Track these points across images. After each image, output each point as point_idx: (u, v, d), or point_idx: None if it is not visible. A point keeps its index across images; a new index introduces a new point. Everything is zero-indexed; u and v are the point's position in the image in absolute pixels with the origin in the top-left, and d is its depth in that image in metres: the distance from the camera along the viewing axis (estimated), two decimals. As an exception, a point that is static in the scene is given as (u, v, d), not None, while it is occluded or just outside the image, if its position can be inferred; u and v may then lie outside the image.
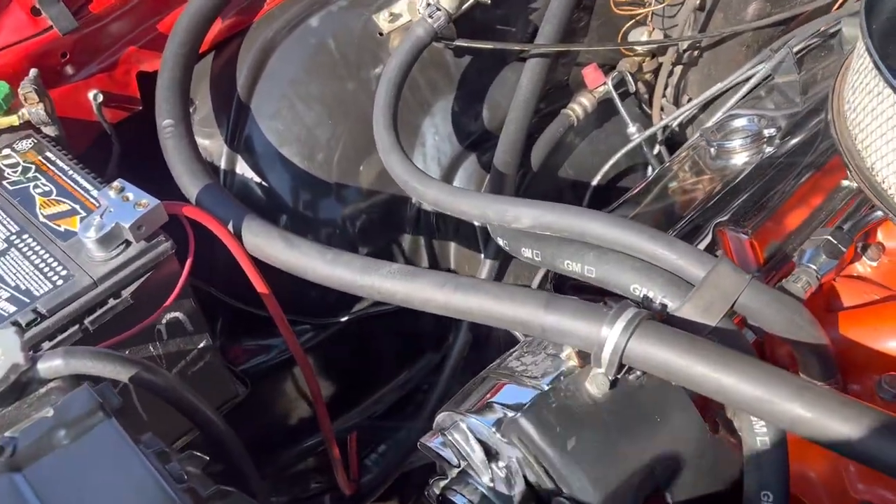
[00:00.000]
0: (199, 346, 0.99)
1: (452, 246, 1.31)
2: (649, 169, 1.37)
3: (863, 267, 0.97)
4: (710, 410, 0.81)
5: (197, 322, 0.97)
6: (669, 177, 1.09)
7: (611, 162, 1.31)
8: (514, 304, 0.75)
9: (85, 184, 0.93)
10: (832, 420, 0.60)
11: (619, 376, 0.73)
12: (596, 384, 0.72)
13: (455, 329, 1.30)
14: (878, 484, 0.77)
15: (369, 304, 1.25)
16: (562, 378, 0.74)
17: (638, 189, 1.08)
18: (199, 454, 0.70)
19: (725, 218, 0.93)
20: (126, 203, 0.85)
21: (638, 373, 0.74)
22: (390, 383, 1.34)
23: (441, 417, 0.81)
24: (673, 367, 0.67)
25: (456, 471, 0.78)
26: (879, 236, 0.97)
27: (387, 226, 1.27)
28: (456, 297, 0.78)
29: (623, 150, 1.30)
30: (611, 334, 0.69)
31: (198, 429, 0.81)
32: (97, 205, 0.87)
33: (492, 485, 0.75)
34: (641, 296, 0.77)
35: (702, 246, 0.91)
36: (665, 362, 0.67)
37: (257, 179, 1.19)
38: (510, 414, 0.71)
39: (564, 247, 0.84)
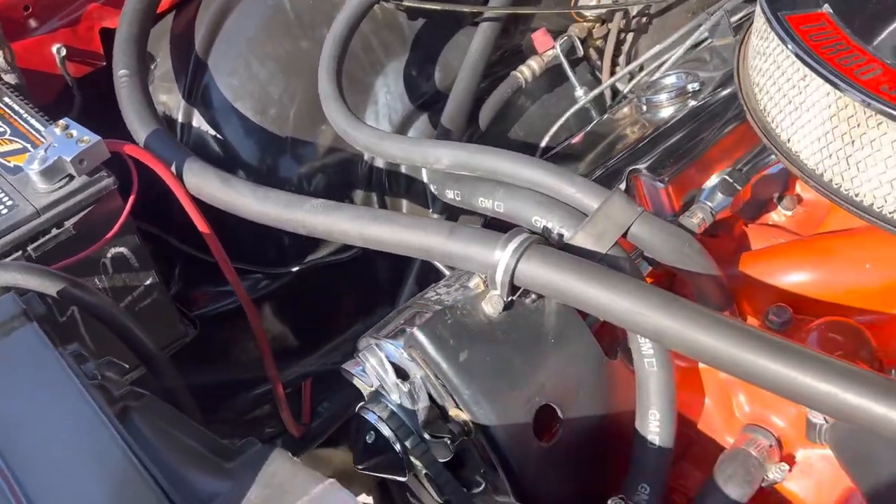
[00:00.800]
0: (146, 283, 1.05)
1: (404, 203, 1.35)
2: (597, 131, 1.41)
3: (778, 216, 1.02)
4: (613, 340, 0.86)
5: (142, 259, 1.02)
6: (602, 130, 1.14)
7: (558, 123, 1.35)
8: (422, 233, 0.80)
9: (37, 125, 0.99)
10: (694, 329, 0.65)
11: (514, 299, 0.78)
12: (491, 304, 0.77)
13: (404, 281, 1.35)
14: (763, 406, 0.81)
15: (322, 254, 1.31)
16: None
17: (571, 140, 1.12)
18: (118, 362, 0.76)
19: (644, 165, 0.98)
20: (70, 139, 0.91)
21: (533, 296, 0.79)
22: (345, 333, 1.39)
23: (361, 343, 0.86)
24: (557, 285, 0.71)
25: (371, 391, 0.84)
26: (798, 188, 1.02)
27: (341, 185, 1.32)
28: (370, 227, 0.83)
29: (570, 112, 1.34)
30: (502, 256, 0.74)
31: (130, 350, 0.86)
32: (44, 141, 0.93)
33: (400, 402, 0.80)
34: (542, 227, 0.81)
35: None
36: (550, 281, 0.72)
37: (213, 133, 1.25)
38: (409, 329, 0.76)
39: (479, 185, 0.89)
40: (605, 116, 1.17)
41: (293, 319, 1.36)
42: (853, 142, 0.69)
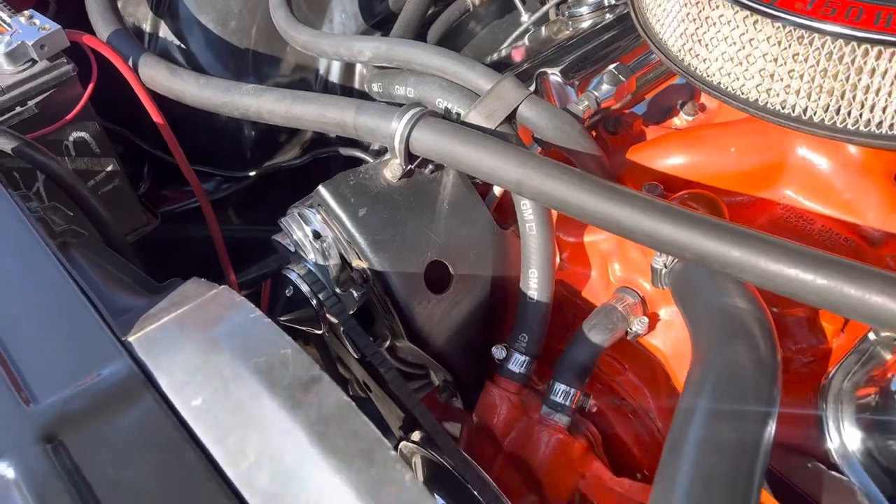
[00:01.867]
0: (107, 169, 1.16)
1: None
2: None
3: (680, 121, 1.11)
4: (509, 213, 0.96)
5: (103, 146, 1.14)
6: (532, 44, 1.23)
7: (504, 45, 1.44)
8: (337, 110, 0.90)
9: (6, 18, 1.10)
10: (547, 179, 0.75)
11: (415, 169, 0.88)
12: (391, 170, 0.88)
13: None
14: (631, 271, 0.91)
15: (280, 159, 1.41)
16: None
17: (501, 48, 1.22)
18: (63, 208, 0.87)
19: (555, 69, 1.07)
20: (33, 27, 1.01)
21: (431, 167, 0.89)
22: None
23: (288, 212, 0.97)
24: (444, 149, 0.82)
25: (293, 254, 0.95)
26: (702, 98, 1.11)
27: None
28: (294, 107, 0.94)
29: (514, 35, 1.43)
30: (398, 126, 0.84)
31: (83, 212, 0.97)
32: (9, 29, 1.03)
33: (316, 261, 0.92)
34: (444, 107, 0.92)
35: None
36: (439, 147, 0.82)
37: (178, 43, 1.35)
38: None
39: (397, 75, 0.99)
40: (534, 30, 1.26)
41: (253, 221, 1.47)
42: (699, 23, 0.79)
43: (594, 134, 1.04)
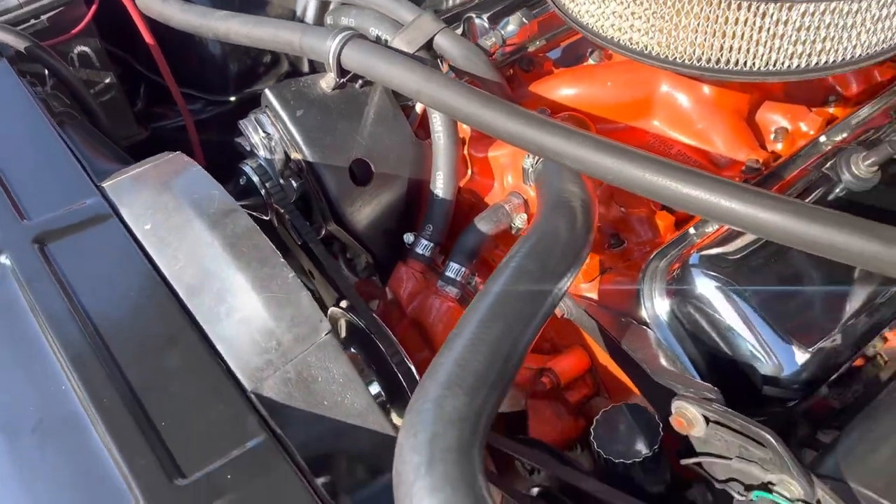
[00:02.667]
0: (105, 82, 1.38)
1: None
2: None
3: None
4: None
5: (103, 61, 1.35)
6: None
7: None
8: (286, 32, 1.10)
9: (26, -53, 1.30)
10: (440, 89, 0.95)
11: (345, 81, 1.08)
12: (326, 82, 1.08)
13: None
14: (519, 179, 1.11)
15: (259, 87, 1.62)
16: (310, 83, 1.10)
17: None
18: (62, 96, 1.08)
19: (484, 14, 1.27)
20: (47, -46, 1.22)
21: (361, 82, 1.10)
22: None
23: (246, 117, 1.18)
24: (367, 64, 1.02)
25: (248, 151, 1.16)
26: (612, 48, 1.30)
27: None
28: (254, 30, 1.14)
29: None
30: (332, 45, 1.04)
31: (77, 102, 1.18)
32: (27, -45, 1.24)
33: (265, 156, 1.12)
34: (375, 35, 1.12)
35: (457, 32, 1.25)
36: (363, 62, 1.02)
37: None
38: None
39: (344, 9, 1.19)
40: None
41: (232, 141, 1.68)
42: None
43: (511, 71, 1.24)
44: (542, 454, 0.97)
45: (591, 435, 0.86)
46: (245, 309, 0.73)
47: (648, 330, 0.93)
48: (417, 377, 1.00)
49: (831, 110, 1.18)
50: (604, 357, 1.03)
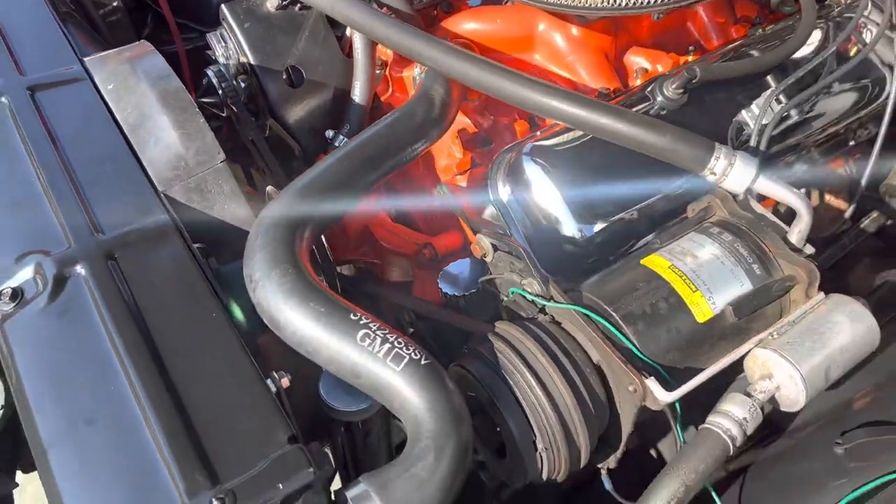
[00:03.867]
0: (113, 4, 1.68)
1: None
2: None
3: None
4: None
5: (109, -15, 1.65)
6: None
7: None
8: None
9: None
10: (348, 8, 1.22)
11: (287, 3, 1.36)
12: (271, 3, 1.36)
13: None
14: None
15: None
16: (261, 4, 1.38)
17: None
18: (71, 6, 1.38)
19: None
20: None
21: (300, 5, 1.38)
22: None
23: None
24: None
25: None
26: None
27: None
28: (224, -39, 1.42)
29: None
30: (277, -27, 1.32)
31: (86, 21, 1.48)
32: None
33: (223, 62, 1.41)
34: (316, -29, 1.39)
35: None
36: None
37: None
38: (223, 9, 1.36)
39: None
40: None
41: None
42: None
43: (435, 12, 1.50)
44: (407, 295, 1.26)
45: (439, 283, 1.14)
46: (166, 140, 1.02)
47: (490, 207, 1.20)
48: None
49: (690, 58, 1.43)
50: (471, 235, 1.30)
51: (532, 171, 1.15)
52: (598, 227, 1.14)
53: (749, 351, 0.91)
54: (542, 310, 0.97)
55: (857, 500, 0.83)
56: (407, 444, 0.78)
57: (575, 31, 1.34)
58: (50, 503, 0.73)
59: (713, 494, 0.88)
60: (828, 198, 1.48)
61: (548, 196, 1.14)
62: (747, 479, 0.96)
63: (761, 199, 1.12)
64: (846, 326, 0.90)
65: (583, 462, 0.91)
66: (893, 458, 0.85)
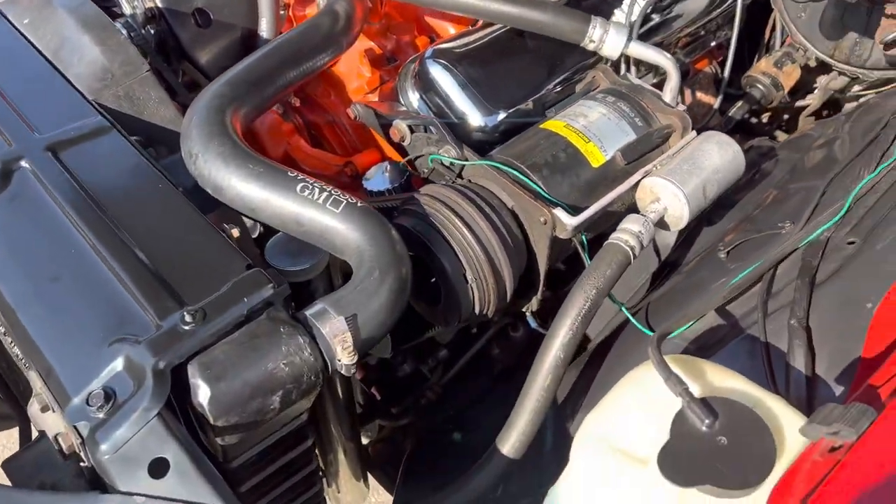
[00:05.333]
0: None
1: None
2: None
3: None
4: None
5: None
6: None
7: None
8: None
9: None
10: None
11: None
12: (173, -50, 1.43)
13: None
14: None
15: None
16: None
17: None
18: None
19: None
20: None
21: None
22: None
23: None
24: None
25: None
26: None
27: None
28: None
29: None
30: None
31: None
32: None
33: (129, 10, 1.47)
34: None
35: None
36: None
37: None
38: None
39: None
40: None
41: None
42: None
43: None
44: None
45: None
46: (89, 56, 1.08)
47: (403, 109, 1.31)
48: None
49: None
50: (389, 150, 1.40)
51: (436, 70, 1.27)
52: (501, 116, 1.26)
53: (639, 182, 1.05)
54: (460, 174, 1.09)
55: (734, 287, 0.98)
56: (353, 273, 0.87)
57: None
58: (30, 362, 0.77)
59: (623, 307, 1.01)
60: (699, 94, 1.66)
61: (453, 91, 1.26)
62: (654, 299, 1.10)
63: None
64: (715, 151, 1.06)
65: (509, 293, 1.03)
66: (762, 251, 1.01)
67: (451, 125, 1.27)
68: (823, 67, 1.56)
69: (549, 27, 1.13)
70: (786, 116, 1.78)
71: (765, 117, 1.79)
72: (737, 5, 1.54)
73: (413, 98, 1.31)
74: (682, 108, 1.16)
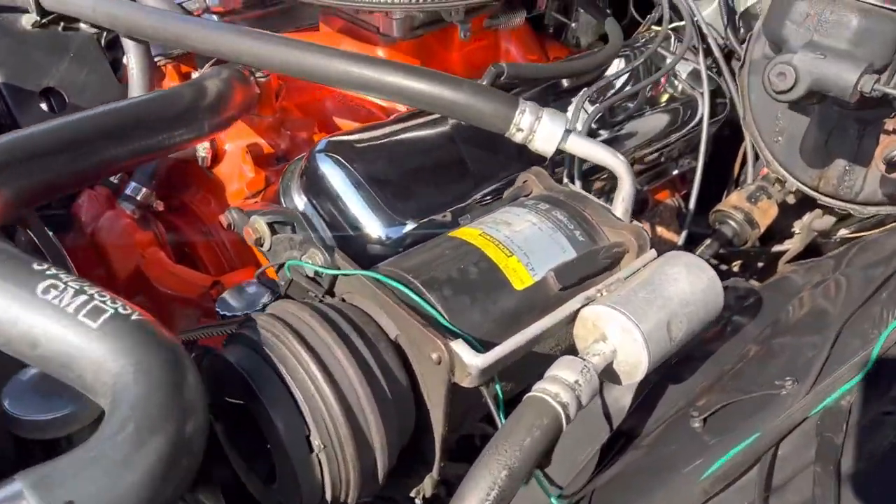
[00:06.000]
0: None
1: None
2: None
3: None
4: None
5: None
6: None
7: None
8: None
9: None
10: (113, 8, 1.06)
11: (47, 22, 1.19)
12: (27, 19, 1.18)
13: None
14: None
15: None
16: None
17: None
18: None
19: None
20: None
21: (63, 24, 1.20)
22: None
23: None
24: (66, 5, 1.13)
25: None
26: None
27: None
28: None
29: None
30: (34, -16, 1.16)
31: None
32: None
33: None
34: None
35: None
36: (60, 4, 1.14)
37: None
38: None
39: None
40: None
41: None
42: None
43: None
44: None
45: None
46: None
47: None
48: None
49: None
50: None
51: (327, 167, 0.99)
52: (409, 227, 0.97)
53: (577, 312, 0.74)
54: (331, 290, 0.77)
55: (718, 476, 0.65)
56: (99, 428, 0.53)
57: (381, 52, 1.25)
58: None
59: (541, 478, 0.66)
60: (659, 229, 1.40)
61: (347, 193, 0.97)
62: (602, 486, 0.76)
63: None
64: (683, 277, 0.76)
65: (382, 470, 0.68)
66: (754, 420, 0.69)
67: (345, 238, 0.98)
68: (805, 203, 1.32)
69: (462, 109, 0.86)
70: (760, 264, 1.52)
71: (736, 265, 1.53)
72: (702, 129, 1.33)
73: (299, 202, 1.02)
74: (637, 224, 0.88)
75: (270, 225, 0.82)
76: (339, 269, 0.75)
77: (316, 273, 0.77)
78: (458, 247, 0.80)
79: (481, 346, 0.70)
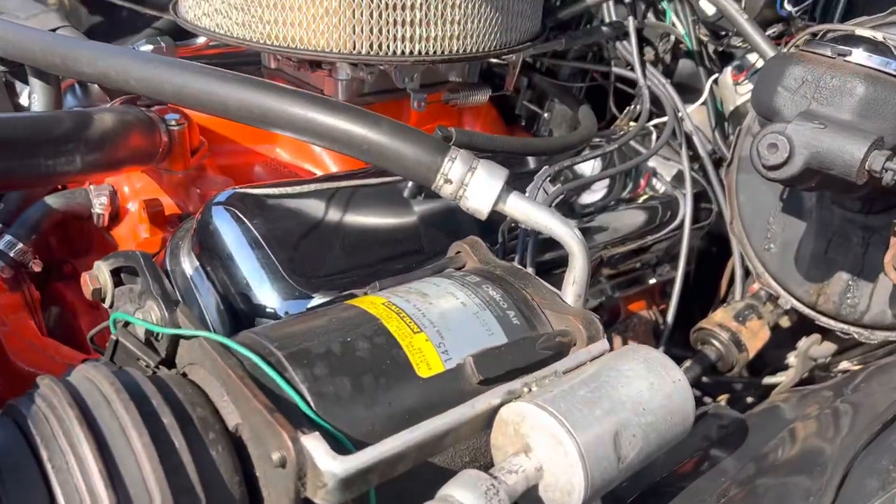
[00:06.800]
0: None
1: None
2: None
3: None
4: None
5: None
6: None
7: None
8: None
9: None
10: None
11: None
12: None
13: None
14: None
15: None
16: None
17: None
18: None
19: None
20: None
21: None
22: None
23: None
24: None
25: None
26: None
27: None
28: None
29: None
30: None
31: None
32: None
33: None
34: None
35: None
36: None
37: None
38: None
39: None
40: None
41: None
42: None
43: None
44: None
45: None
46: None
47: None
48: None
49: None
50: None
51: (221, 221, 0.81)
52: (315, 302, 0.79)
53: (496, 410, 0.54)
54: (171, 358, 0.57)
55: None
56: None
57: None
58: None
59: None
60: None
61: (239, 253, 0.79)
62: None
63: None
64: (640, 375, 0.57)
65: None
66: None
67: (234, 312, 0.79)
68: (802, 327, 1.14)
69: (380, 151, 0.69)
70: (750, 399, 1.32)
71: (721, 399, 1.33)
72: (683, 233, 1.17)
73: (188, 266, 0.84)
74: (588, 311, 0.69)
75: (116, 272, 0.64)
76: (179, 327, 0.56)
77: (151, 334, 0.57)
78: (352, 316, 0.61)
79: (352, 446, 0.50)
